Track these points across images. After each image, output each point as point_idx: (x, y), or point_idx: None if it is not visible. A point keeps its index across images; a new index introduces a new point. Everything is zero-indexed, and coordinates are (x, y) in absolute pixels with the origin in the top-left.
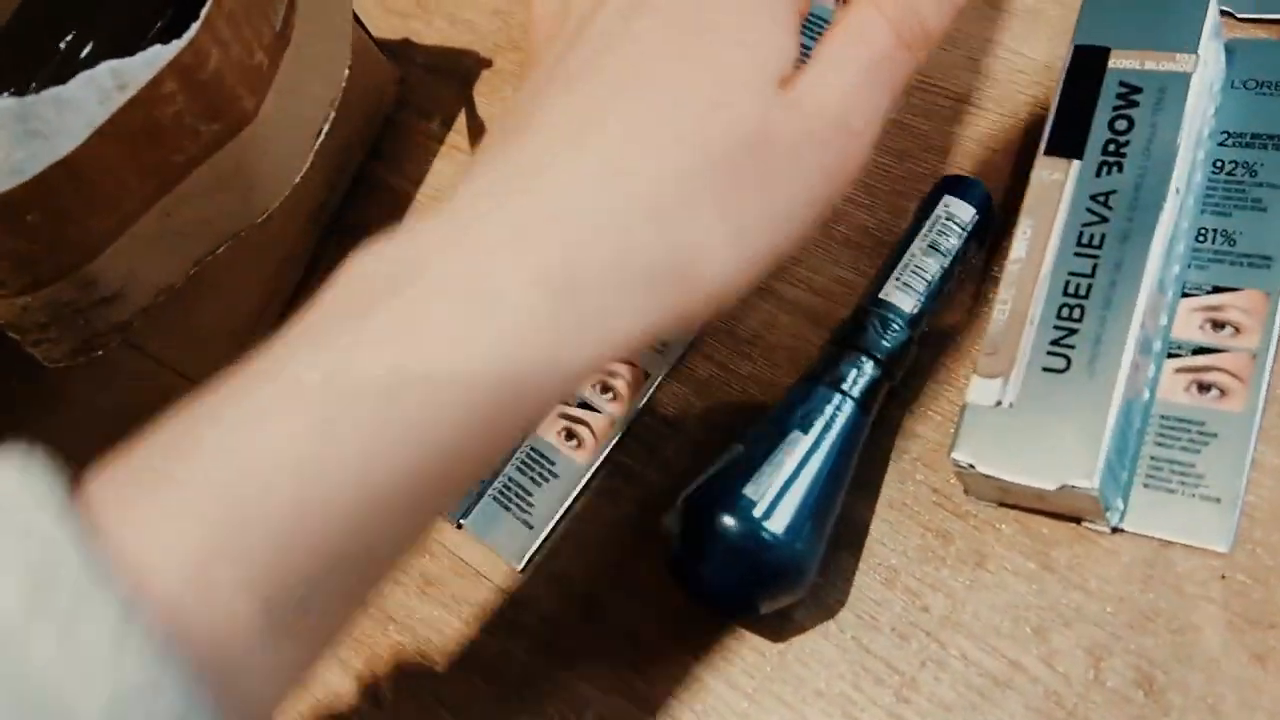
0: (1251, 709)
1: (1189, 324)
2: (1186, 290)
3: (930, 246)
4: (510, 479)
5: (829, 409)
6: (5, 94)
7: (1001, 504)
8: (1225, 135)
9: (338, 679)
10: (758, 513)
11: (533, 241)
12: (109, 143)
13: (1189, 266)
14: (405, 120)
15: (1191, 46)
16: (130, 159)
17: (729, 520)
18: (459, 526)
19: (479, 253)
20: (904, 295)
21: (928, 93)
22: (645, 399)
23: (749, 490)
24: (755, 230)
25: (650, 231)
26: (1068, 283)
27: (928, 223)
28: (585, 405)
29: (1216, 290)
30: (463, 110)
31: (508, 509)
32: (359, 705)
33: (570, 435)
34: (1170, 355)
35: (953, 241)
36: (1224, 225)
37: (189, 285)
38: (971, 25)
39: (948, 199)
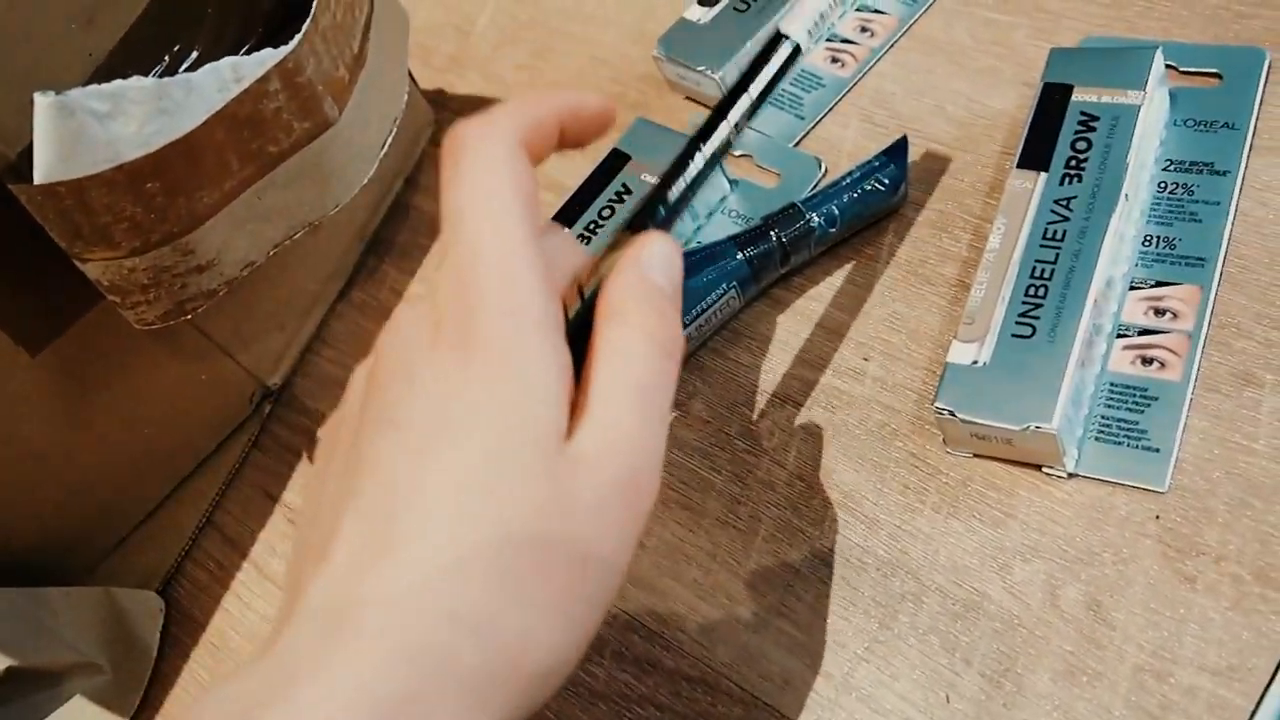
0: (1183, 621)
1: (1136, 310)
2: (1134, 284)
3: (850, 183)
4: None
5: (725, 260)
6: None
7: (975, 455)
8: (1168, 162)
9: None
10: None
11: (356, 682)
12: (221, 127)
13: (1137, 265)
14: (439, 156)
15: (1140, 85)
16: (236, 143)
17: None
18: None
19: (304, 707)
20: (818, 204)
21: (910, 135)
22: None
23: None
24: (581, 603)
25: (472, 643)
26: (1035, 267)
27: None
28: None
29: (1160, 284)
30: None
31: None
32: None
33: None
34: (1120, 335)
35: (866, 182)
36: (1166, 233)
37: (250, 282)
38: (941, 81)
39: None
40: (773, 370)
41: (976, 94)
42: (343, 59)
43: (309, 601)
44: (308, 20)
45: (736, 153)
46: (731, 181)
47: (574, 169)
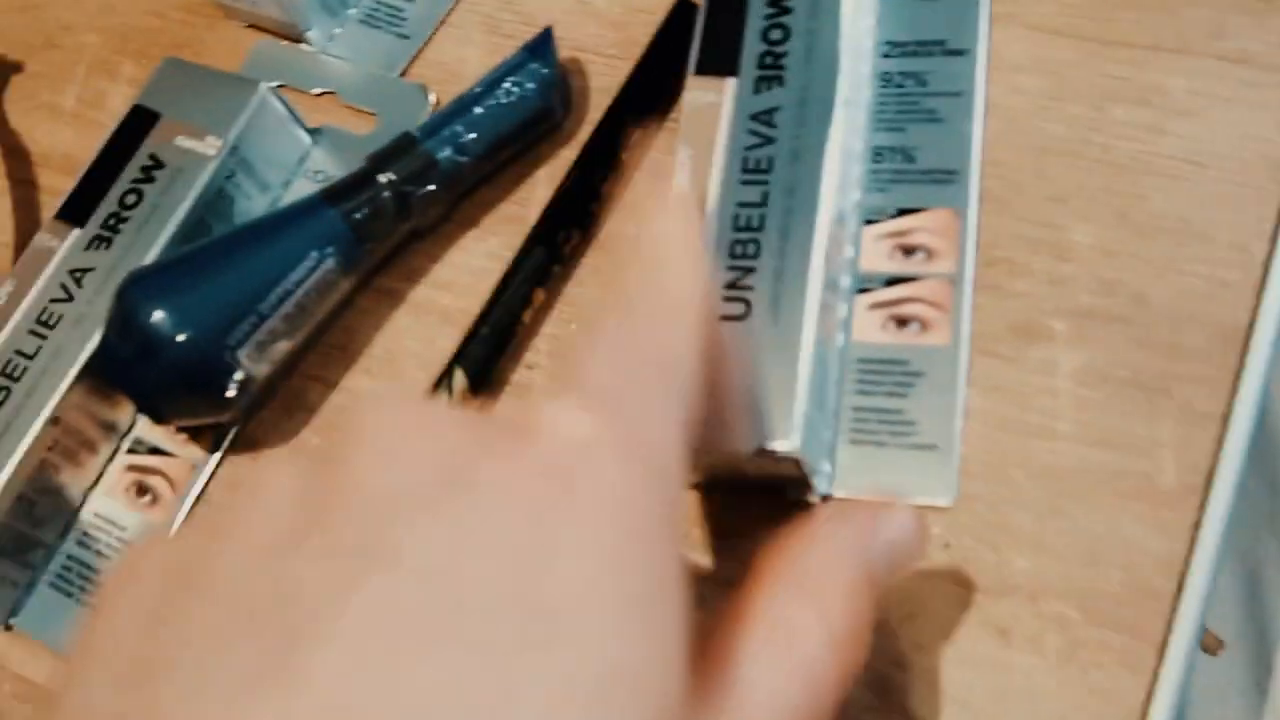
0: (1003, 693)
1: (877, 253)
2: (870, 217)
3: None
4: (70, 557)
5: (310, 221)
6: None
7: (712, 478)
8: (890, 46)
9: None
10: (164, 304)
11: None
12: None
13: (869, 190)
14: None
15: None
16: None
17: (132, 303)
18: (8, 628)
19: None
20: (438, 127)
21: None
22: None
23: (170, 280)
24: None
25: None
26: (738, 215)
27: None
28: (156, 450)
29: (902, 213)
30: None
31: (70, 595)
32: None
33: (142, 490)
34: (861, 291)
35: (501, 89)
36: (901, 142)
37: None
38: None
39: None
40: None
41: None
42: None
43: None
44: None
45: (315, 91)
46: (311, 132)
47: (84, 139)
